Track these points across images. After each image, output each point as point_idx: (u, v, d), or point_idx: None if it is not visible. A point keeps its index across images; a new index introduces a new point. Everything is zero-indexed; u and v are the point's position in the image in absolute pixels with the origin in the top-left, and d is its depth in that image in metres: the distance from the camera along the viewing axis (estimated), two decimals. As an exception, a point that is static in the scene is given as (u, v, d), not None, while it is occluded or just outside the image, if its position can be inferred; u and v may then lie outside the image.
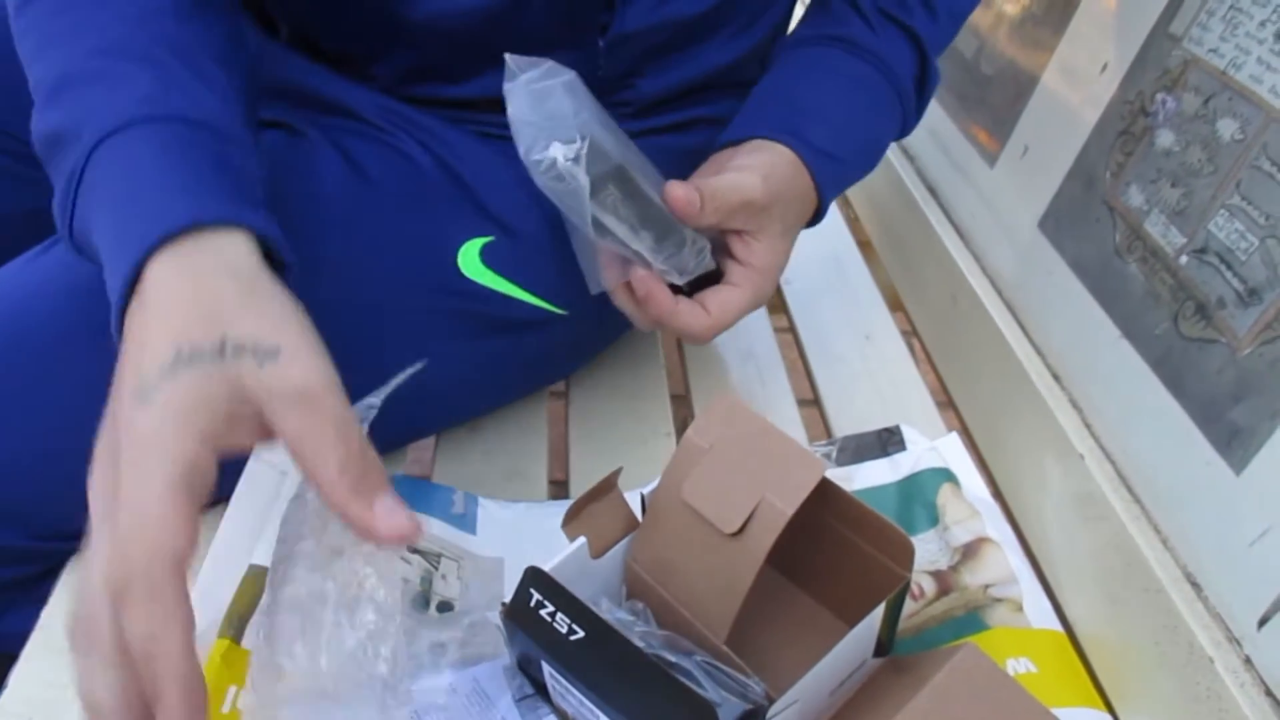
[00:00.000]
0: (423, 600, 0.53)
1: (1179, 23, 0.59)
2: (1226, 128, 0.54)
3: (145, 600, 0.34)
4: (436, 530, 0.60)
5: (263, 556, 0.52)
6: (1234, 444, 0.50)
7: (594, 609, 0.42)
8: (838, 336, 0.88)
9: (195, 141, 0.46)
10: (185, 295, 0.40)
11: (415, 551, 0.57)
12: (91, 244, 0.45)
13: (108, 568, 0.35)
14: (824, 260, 0.99)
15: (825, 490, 0.46)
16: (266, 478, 0.55)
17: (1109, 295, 0.62)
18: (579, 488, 0.70)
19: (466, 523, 0.62)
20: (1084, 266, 0.65)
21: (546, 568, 0.45)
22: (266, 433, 0.39)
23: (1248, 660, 0.47)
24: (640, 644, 0.42)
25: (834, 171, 0.62)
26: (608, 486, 0.51)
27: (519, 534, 0.62)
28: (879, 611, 0.47)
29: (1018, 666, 0.52)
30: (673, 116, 0.67)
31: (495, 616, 0.46)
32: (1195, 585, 0.51)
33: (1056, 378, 0.66)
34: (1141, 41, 0.62)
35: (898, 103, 0.65)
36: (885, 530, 0.47)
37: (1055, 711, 0.40)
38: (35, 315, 0.55)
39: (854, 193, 1.14)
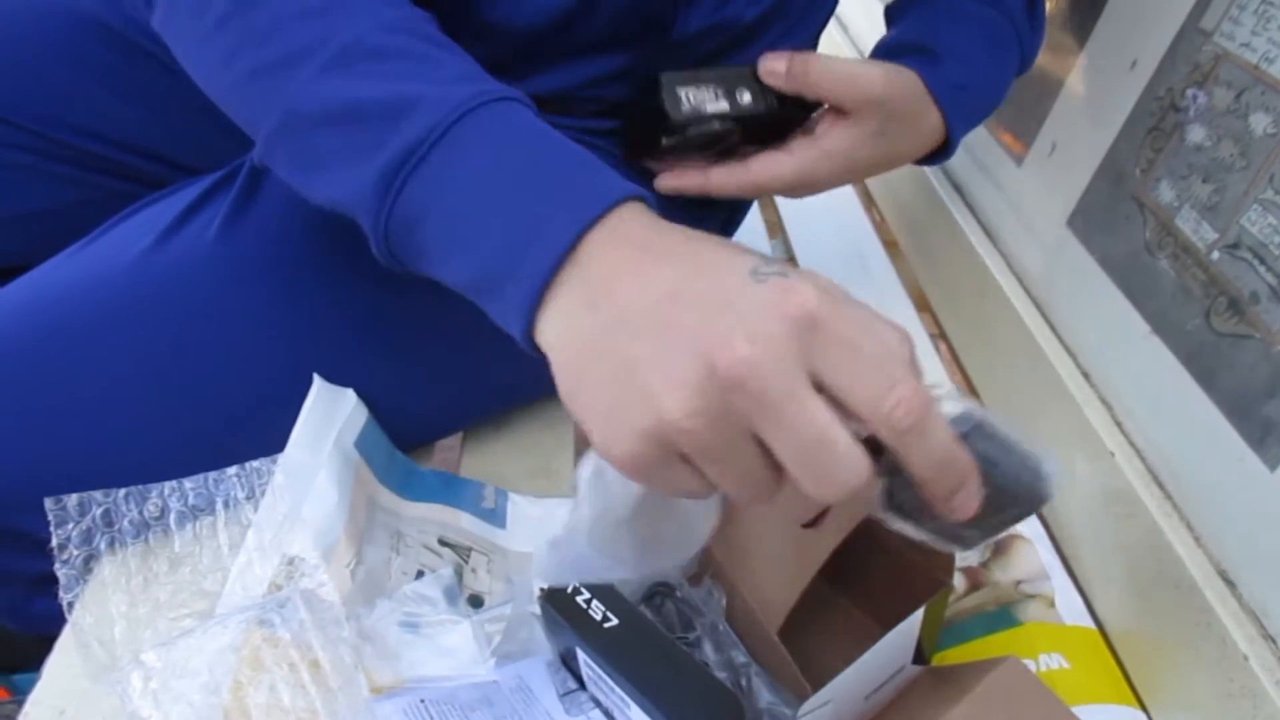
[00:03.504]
0: (454, 593, 0.54)
1: (1210, 18, 0.58)
2: (1259, 122, 0.53)
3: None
4: (467, 524, 0.61)
5: (296, 547, 0.53)
6: (1267, 440, 0.50)
7: (677, 587, 0.43)
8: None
9: (535, 118, 0.43)
10: (682, 233, 0.38)
11: (446, 545, 0.58)
12: (424, 217, 0.41)
13: None
14: (850, 261, 0.99)
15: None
16: (302, 473, 0.56)
17: (1139, 292, 0.62)
18: (606, 485, 0.71)
19: (496, 517, 0.63)
20: (1113, 263, 0.65)
21: None
22: None
23: (1283, 656, 0.46)
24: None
25: (965, 103, 0.62)
26: None
27: (549, 528, 0.63)
28: (918, 616, 0.46)
29: (1050, 662, 0.52)
30: None
31: (536, 608, 0.46)
32: (1229, 582, 0.51)
33: (1086, 376, 0.66)
34: (1172, 37, 0.62)
35: (1015, 41, 0.66)
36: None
37: (1088, 708, 0.40)
38: (76, 307, 0.57)
39: (880, 193, 1.14)
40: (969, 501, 0.35)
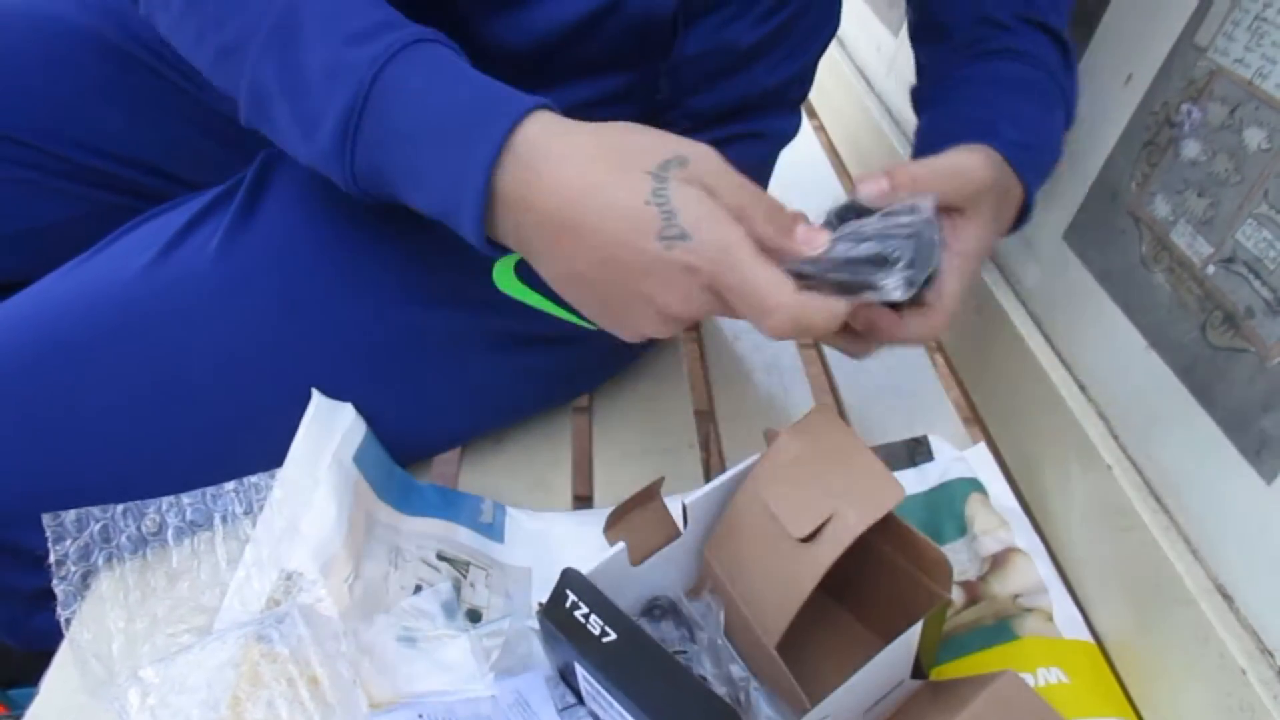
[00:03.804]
0: (452, 608, 0.54)
1: (1204, 33, 0.59)
2: (1253, 137, 0.54)
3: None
4: (465, 539, 0.61)
5: (294, 560, 0.53)
6: (1264, 454, 0.50)
7: (677, 601, 0.43)
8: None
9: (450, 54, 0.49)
10: (592, 143, 0.45)
11: (444, 559, 0.58)
12: (380, 168, 0.48)
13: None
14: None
15: (889, 517, 0.46)
16: (300, 488, 0.56)
17: (1135, 305, 0.62)
18: (603, 502, 0.71)
19: (495, 531, 0.63)
20: (1110, 277, 0.65)
21: (584, 571, 0.45)
22: None
23: (1281, 671, 0.46)
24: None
25: (1035, 161, 0.60)
26: (650, 495, 0.51)
27: (547, 543, 0.63)
28: (916, 630, 0.46)
29: (1049, 676, 0.52)
30: (721, 131, 0.67)
31: (534, 623, 0.46)
32: (1226, 596, 0.51)
33: (1083, 388, 0.66)
34: (1166, 52, 0.62)
35: (1059, 91, 0.64)
36: (927, 551, 0.47)
37: (1087, 722, 0.40)
38: (75, 323, 0.57)
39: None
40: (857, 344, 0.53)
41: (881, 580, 0.50)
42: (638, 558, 0.50)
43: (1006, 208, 0.59)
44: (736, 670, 0.48)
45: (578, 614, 0.42)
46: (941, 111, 0.65)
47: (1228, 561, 0.51)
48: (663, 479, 0.52)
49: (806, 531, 0.43)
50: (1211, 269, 0.55)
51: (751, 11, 0.60)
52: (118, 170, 0.73)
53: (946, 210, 0.55)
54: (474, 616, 0.56)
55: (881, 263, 0.45)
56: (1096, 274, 0.67)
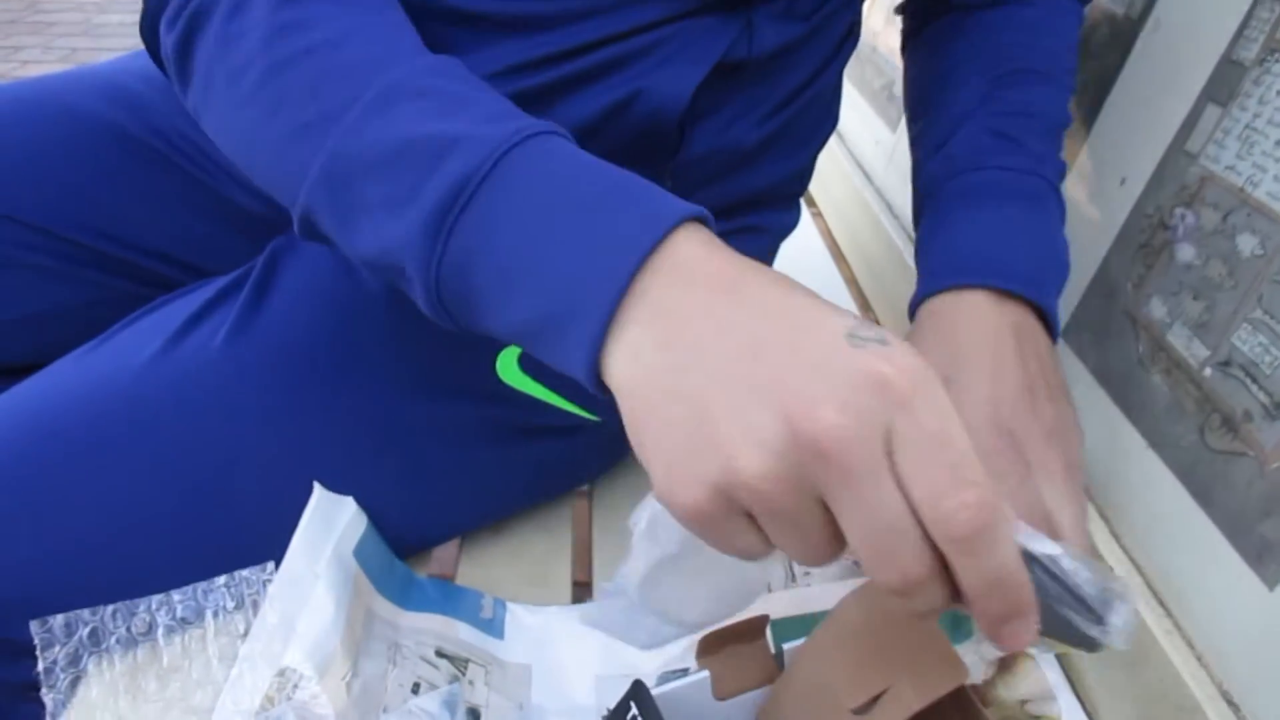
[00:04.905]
0: (455, 708, 0.53)
1: (1195, 141, 0.60)
2: (1246, 243, 0.55)
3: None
4: (464, 635, 0.60)
5: (289, 658, 0.52)
6: (1265, 558, 0.50)
7: None
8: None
9: (577, 149, 0.43)
10: (757, 270, 0.37)
11: (443, 656, 0.57)
12: (476, 259, 0.39)
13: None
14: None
15: (960, 693, 0.43)
16: (299, 582, 0.55)
17: (1134, 406, 0.62)
18: (603, 591, 0.70)
19: (495, 628, 0.62)
20: (1108, 377, 0.66)
21: (657, 691, 0.43)
22: None
23: (1290, 783, 0.46)
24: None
25: (1048, 282, 0.58)
26: (756, 631, 0.49)
27: (547, 639, 0.62)
28: None
29: (1055, 785, 0.51)
30: (722, 226, 0.68)
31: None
32: (1233, 705, 0.50)
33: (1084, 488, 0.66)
34: (1159, 158, 0.63)
35: (1054, 194, 0.61)
36: None
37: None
38: (80, 413, 0.57)
39: (872, 292, 1.15)
40: (1022, 634, 0.32)
41: None
42: (725, 693, 0.48)
43: (1034, 355, 0.55)
44: None
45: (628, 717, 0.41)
46: (947, 246, 0.60)
47: (1232, 667, 0.51)
48: (768, 616, 0.49)
49: (860, 702, 0.41)
50: (1209, 372, 0.56)
51: (754, 112, 0.61)
52: (131, 257, 0.74)
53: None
54: (473, 715, 0.55)
55: (1090, 608, 0.36)
56: (1095, 373, 0.67)
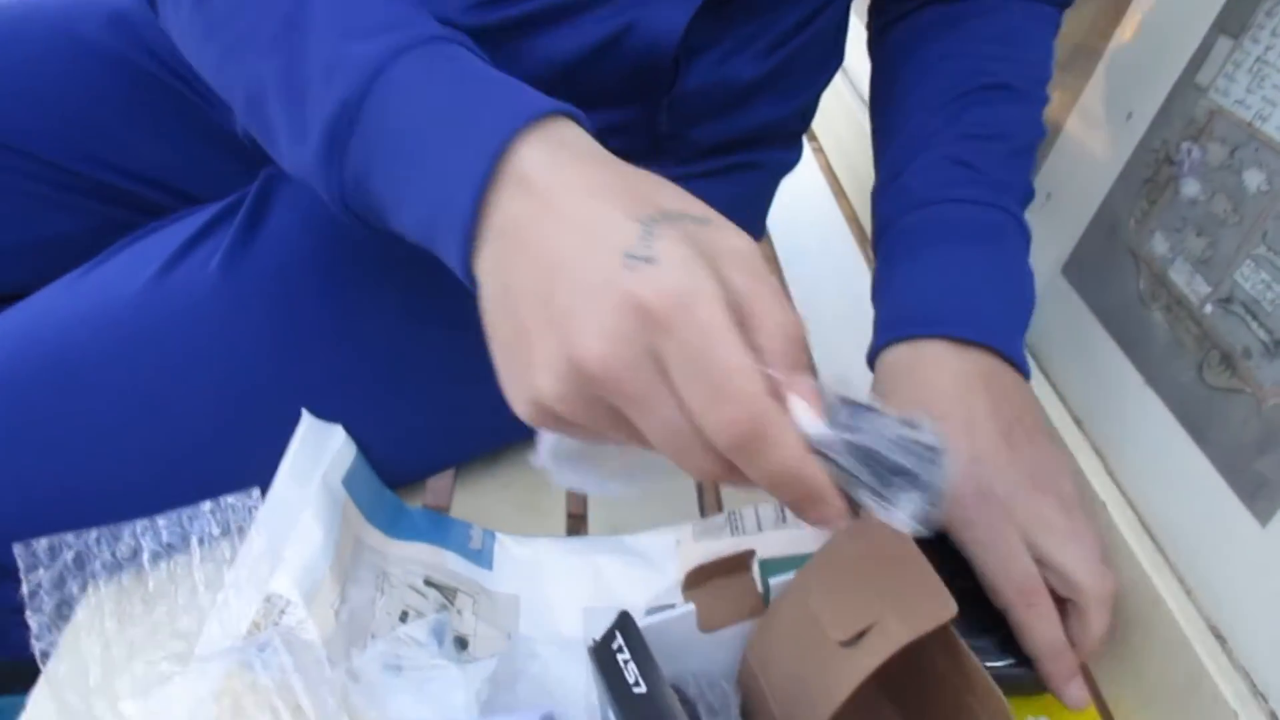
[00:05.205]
0: (443, 636, 0.53)
1: (1205, 74, 0.59)
2: (1253, 179, 0.54)
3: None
4: (453, 565, 0.60)
5: (277, 584, 0.52)
6: (1259, 496, 0.49)
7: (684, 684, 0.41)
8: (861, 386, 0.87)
9: (467, 54, 0.44)
10: (591, 175, 0.37)
11: (431, 585, 0.57)
12: (369, 175, 0.42)
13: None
14: (845, 312, 0.99)
15: (946, 633, 0.43)
16: (286, 509, 0.55)
17: (1133, 343, 0.62)
18: (597, 523, 0.70)
19: (483, 558, 0.62)
20: (1107, 313, 0.65)
21: (643, 623, 0.43)
22: None
23: (1273, 715, 0.46)
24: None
25: (1013, 323, 0.58)
26: (741, 565, 0.49)
27: (536, 571, 0.62)
28: None
29: (1037, 723, 0.52)
30: (719, 162, 0.67)
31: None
32: (1220, 638, 0.50)
33: (1079, 423, 0.66)
34: (1167, 91, 0.62)
35: (1019, 227, 0.61)
36: (988, 693, 0.43)
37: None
38: (73, 338, 0.56)
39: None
40: (828, 514, 0.34)
41: (935, 695, 0.47)
42: (710, 625, 0.48)
43: (1010, 400, 0.54)
44: None
45: (619, 658, 0.41)
46: (910, 294, 0.59)
47: (1221, 603, 0.51)
48: (754, 551, 0.50)
49: (847, 635, 0.41)
50: (1209, 308, 0.55)
51: (751, 47, 0.60)
52: (129, 185, 0.73)
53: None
54: (461, 644, 0.55)
55: (897, 475, 0.34)
56: (1094, 309, 0.67)
